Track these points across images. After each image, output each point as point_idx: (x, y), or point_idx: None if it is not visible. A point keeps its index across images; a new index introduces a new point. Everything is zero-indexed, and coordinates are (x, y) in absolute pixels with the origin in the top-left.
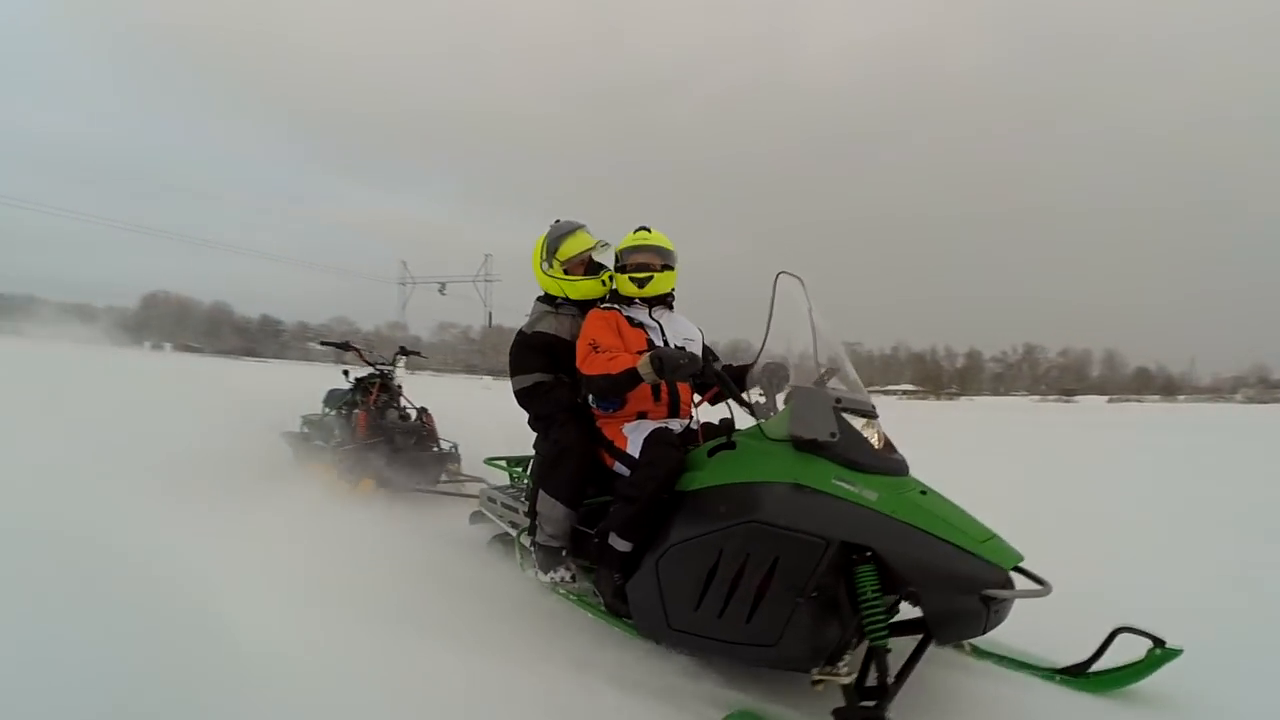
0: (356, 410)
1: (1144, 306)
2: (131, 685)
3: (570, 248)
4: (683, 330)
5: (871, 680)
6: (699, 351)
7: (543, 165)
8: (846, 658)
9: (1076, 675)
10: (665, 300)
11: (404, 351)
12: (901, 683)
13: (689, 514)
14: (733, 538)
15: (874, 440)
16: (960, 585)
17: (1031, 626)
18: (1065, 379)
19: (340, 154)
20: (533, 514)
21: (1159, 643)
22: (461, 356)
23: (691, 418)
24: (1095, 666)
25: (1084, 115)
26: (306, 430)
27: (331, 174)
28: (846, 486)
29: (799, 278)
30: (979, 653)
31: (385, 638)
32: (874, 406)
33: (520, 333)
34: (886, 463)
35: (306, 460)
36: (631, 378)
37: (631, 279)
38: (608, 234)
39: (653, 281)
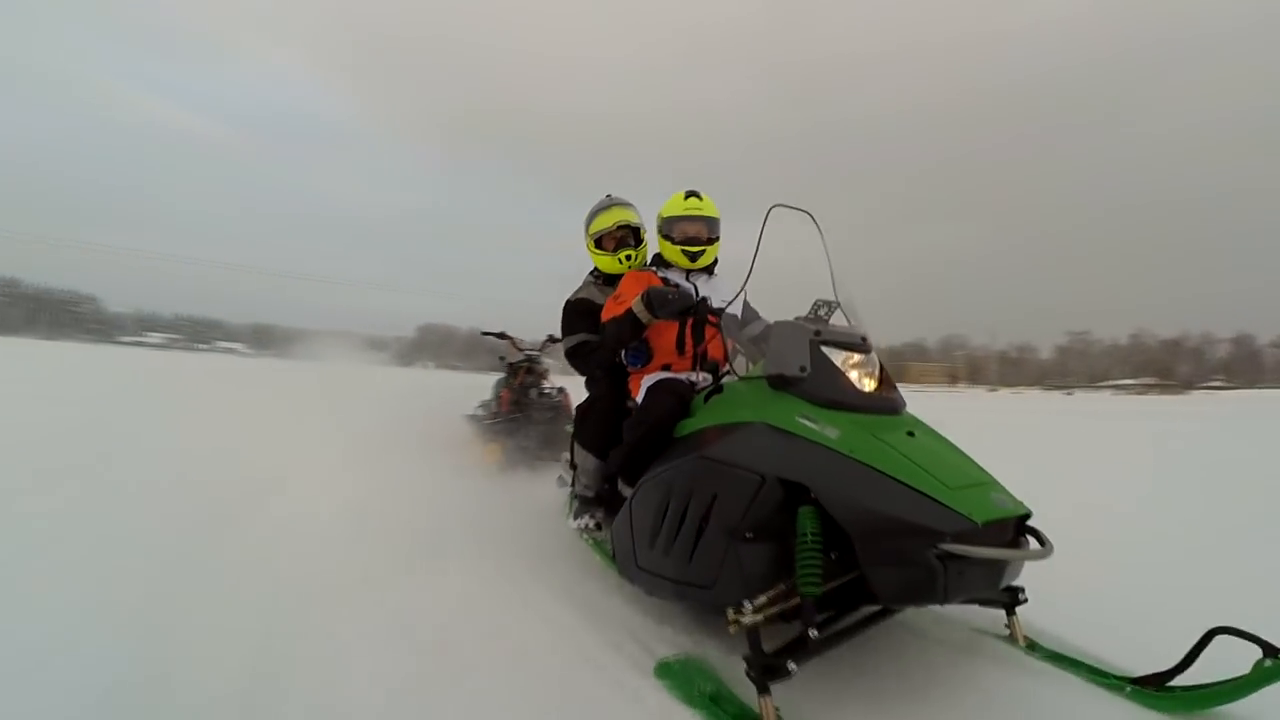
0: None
1: None
2: None
3: (598, 223)
4: (722, 293)
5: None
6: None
7: (737, 162)
8: (760, 599)
9: (1154, 687)
10: (706, 267)
11: (552, 340)
12: (832, 643)
13: (665, 455)
14: (681, 474)
15: (860, 376)
16: (907, 535)
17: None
18: None
19: (576, 189)
20: (572, 466)
21: (1271, 650)
22: None
23: (722, 370)
24: (1181, 678)
25: None
26: (479, 411)
27: (571, 209)
28: (808, 424)
29: (806, 211)
30: (1036, 649)
31: (418, 555)
32: (865, 340)
33: (567, 300)
34: (865, 399)
35: (471, 434)
36: (631, 319)
37: (684, 252)
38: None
39: (704, 254)
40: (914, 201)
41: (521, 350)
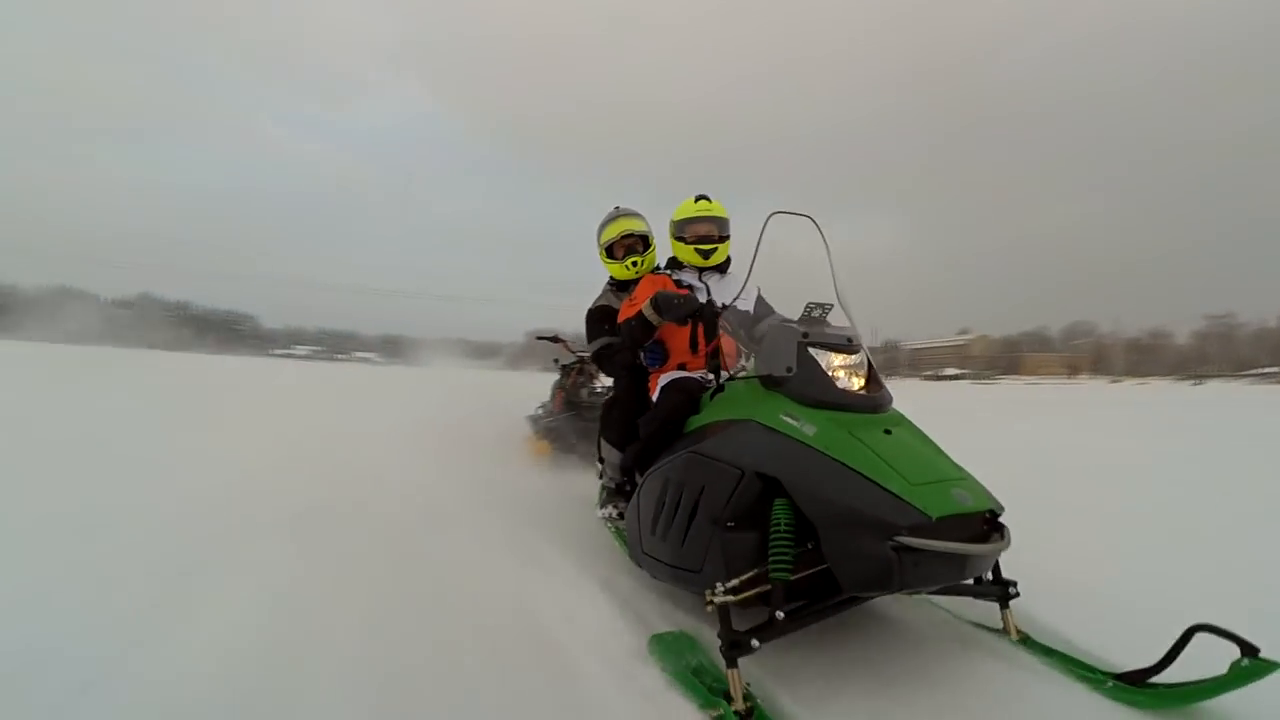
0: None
1: None
2: None
3: (607, 234)
4: (730, 292)
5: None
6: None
7: (854, 149)
8: (733, 581)
9: (1134, 684)
10: (718, 266)
11: None
12: (798, 626)
13: (670, 449)
14: (676, 467)
15: (846, 375)
16: (864, 527)
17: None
18: None
19: (676, 188)
20: (600, 460)
21: (1249, 650)
22: None
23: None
24: (1163, 675)
25: None
26: (538, 411)
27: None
28: (790, 421)
29: (808, 216)
30: (1029, 643)
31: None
32: (851, 340)
33: (588, 309)
34: (847, 398)
35: (529, 433)
36: (642, 320)
37: (697, 250)
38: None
39: (716, 252)
40: (1038, 180)
41: (574, 352)
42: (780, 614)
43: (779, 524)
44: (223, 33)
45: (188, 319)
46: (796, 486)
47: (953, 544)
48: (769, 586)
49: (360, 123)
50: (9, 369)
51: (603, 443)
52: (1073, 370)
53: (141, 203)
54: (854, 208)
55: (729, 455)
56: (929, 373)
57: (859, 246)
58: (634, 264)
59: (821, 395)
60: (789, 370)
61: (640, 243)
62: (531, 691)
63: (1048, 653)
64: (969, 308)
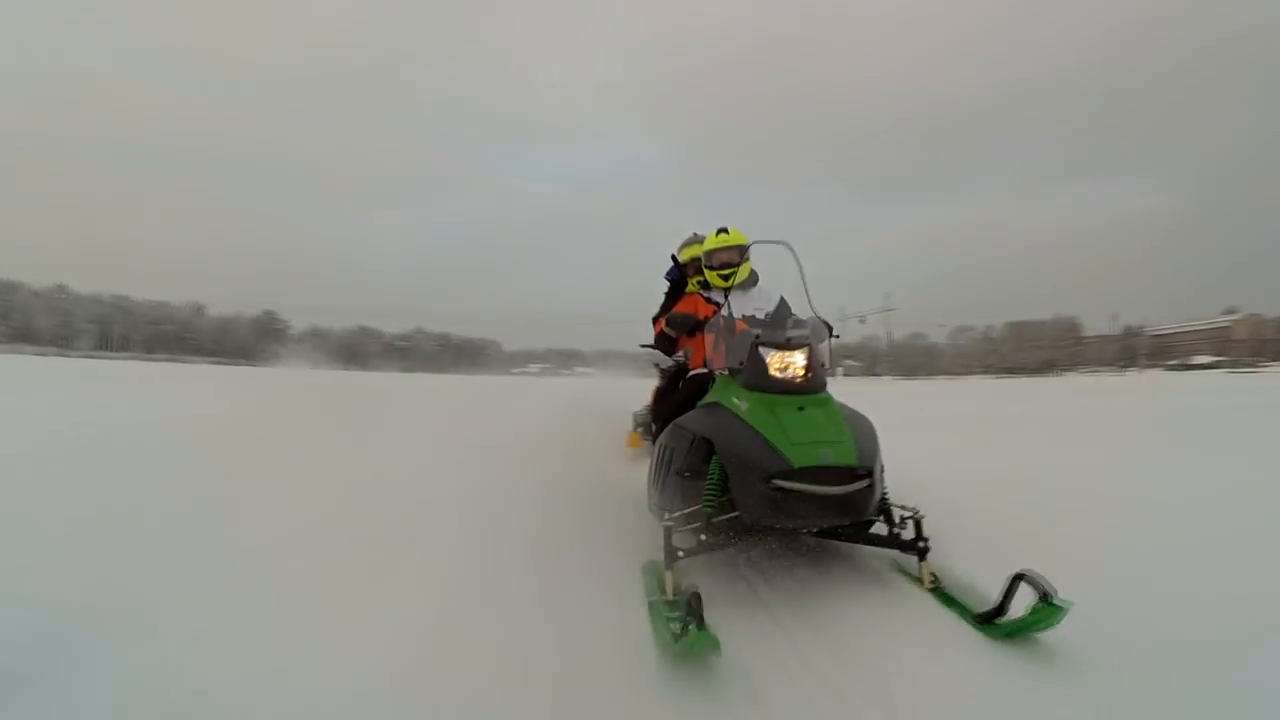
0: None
1: None
2: None
3: (685, 254)
4: (753, 303)
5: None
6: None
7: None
8: (677, 513)
9: (985, 623)
10: (740, 285)
11: None
12: (716, 546)
13: None
14: (666, 434)
15: (784, 368)
16: (752, 472)
17: None
18: None
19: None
20: (653, 440)
21: (1044, 595)
22: (979, 357)
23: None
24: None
25: None
26: (642, 409)
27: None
28: (736, 401)
29: (784, 243)
30: (936, 590)
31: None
32: (791, 339)
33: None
34: (778, 384)
35: (630, 428)
36: (664, 334)
37: (720, 275)
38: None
39: (734, 275)
40: None
41: (671, 358)
42: (704, 537)
43: (712, 475)
44: (466, 104)
45: (449, 347)
46: (720, 445)
47: (809, 485)
48: (698, 523)
49: (582, 160)
50: (361, 387)
51: (653, 424)
52: None
53: (411, 254)
54: (1094, 173)
55: (690, 425)
56: (1175, 362)
57: (1101, 219)
58: (700, 281)
59: (759, 382)
60: (741, 364)
61: None
62: None
63: (944, 596)
64: (1242, 282)
